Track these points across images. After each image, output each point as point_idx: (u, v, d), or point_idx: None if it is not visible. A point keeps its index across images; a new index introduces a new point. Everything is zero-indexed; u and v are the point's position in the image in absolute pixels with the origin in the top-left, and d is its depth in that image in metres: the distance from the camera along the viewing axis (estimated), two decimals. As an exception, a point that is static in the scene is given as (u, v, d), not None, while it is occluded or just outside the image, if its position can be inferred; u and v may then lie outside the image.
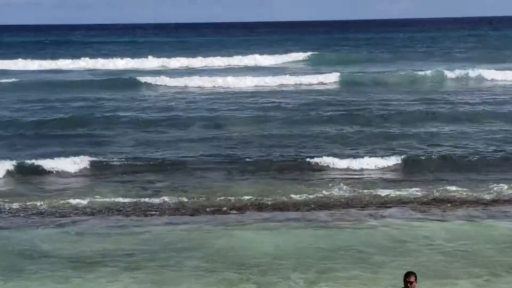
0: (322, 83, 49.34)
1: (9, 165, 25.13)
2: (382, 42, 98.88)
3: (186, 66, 65.30)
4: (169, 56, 69.34)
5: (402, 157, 26.06)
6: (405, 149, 27.77)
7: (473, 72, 51.15)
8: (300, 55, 71.63)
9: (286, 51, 75.43)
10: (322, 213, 20.14)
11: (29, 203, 21.40)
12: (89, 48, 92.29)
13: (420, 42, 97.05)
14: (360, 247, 17.02)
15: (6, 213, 20.60)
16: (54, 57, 71.44)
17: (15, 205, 21.21)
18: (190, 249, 17.04)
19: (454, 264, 15.80)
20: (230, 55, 70.15)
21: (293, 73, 54.22)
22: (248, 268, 15.70)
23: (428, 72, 51.49)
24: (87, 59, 67.68)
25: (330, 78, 50.49)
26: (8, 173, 24.81)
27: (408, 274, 12.42)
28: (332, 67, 57.79)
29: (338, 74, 51.52)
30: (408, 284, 12.34)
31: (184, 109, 38.33)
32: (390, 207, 20.75)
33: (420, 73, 51.55)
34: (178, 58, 68.06)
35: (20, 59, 66.77)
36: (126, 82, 49.45)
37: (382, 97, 41.50)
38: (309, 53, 72.51)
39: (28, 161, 25.60)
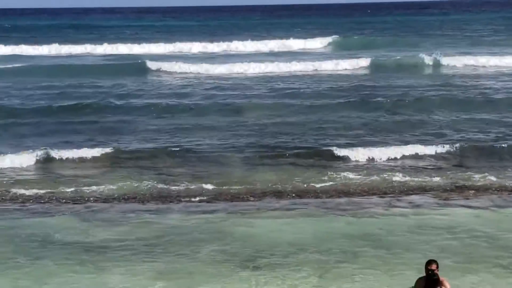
0: (348, 69, 48.35)
1: (26, 153, 24.96)
2: (407, 25, 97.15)
3: (206, 51, 64.55)
4: (187, 41, 68.79)
5: (425, 144, 25.66)
6: (428, 136, 27.38)
7: (503, 58, 49.76)
8: (325, 40, 69.96)
9: (309, 35, 74.05)
10: (342, 201, 19.91)
11: (45, 191, 21.37)
12: (106, 32, 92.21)
13: (447, 25, 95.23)
14: (381, 234, 16.84)
15: (23, 200, 20.55)
16: (69, 41, 71.00)
17: (31, 193, 21.18)
18: (207, 236, 16.93)
19: (477, 251, 15.60)
20: (250, 39, 69.33)
21: (318, 58, 53.55)
22: (267, 256, 15.53)
23: (455, 57, 50.50)
24: (97, 44, 66.60)
25: (356, 63, 49.46)
26: (24, 161, 24.60)
27: (429, 262, 12.34)
28: (358, 52, 56.93)
29: (364, 59, 50.32)
30: (430, 272, 12.19)
31: (202, 96, 38.06)
32: (412, 194, 20.49)
33: (447, 58, 50.49)
34: (196, 43, 67.18)
35: (36, 45, 66.49)
36: (140, 67, 49.19)
37: (408, 83, 40.66)
38: (333, 37, 71.11)
39: (44, 149, 25.43)
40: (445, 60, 49.79)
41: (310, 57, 54.95)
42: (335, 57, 53.95)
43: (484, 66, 48.49)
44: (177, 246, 16.24)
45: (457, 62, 49.59)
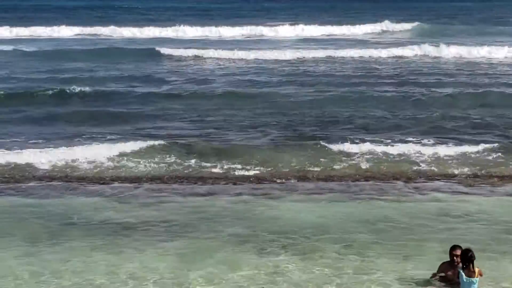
0: (384, 58, 46.59)
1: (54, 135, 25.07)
2: (454, 11, 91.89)
3: (235, 35, 62.85)
4: (218, 25, 66.46)
5: (451, 133, 25.62)
6: (455, 126, 27.08)
7: None
8: (367, 27, 66.35)
9: (358, 21, 69.84)
10: (366, 185, 19.94)
11: (70, 172, 21.58)
12: (131, 14, 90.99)
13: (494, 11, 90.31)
14: (405, 219, 16.83)
15: (48, 180, 20.76)
16: (90, 23, 70.23)
17: (56, 173, 21.43)
18: (232, 219, 17.03)
19: (502, 239, 15.52)
20: (286, 24, 67.23)
21: (354, 45, 52.47)
22: (290, 239, 15.58)
23: (499, 47, 47.82)
24: (122, 27, 65.52)
25: (393, 53, 47.65)
26: (49, 144, 24.50)
27: (454, 248, 12.40)
28: (395, 41, 55.50)
29: (403, 48, 48.66)
30: (454, 258, 12.31)
31: (227, 81, 37.89)
32: (436, 180, 20.45)
33: (490, 47, 47.93)
34: (228, 27, 65.22)
35: (63, 26, 65.92)
36: (159, 53, 48.81)
37: (445, 75, 39.34)
38: (378, 24, 67.64)
39: (69, 132, 25.62)
40: (487, 51, 47.44)
41: (349, 43, 54.05)
42: (372, 46, 52.09)
43: None
44: (201, 227, 16.34)
45: (499, 53, 46.92)
